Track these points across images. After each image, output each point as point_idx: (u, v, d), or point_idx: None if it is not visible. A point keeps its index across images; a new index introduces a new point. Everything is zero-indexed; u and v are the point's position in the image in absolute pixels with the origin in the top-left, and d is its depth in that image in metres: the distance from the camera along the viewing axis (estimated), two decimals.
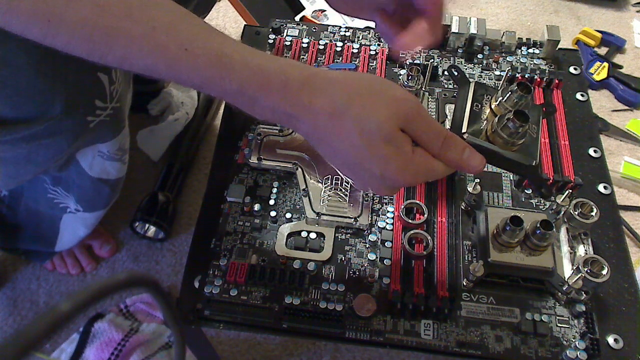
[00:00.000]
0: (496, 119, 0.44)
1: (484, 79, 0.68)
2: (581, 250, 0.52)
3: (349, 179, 0.45)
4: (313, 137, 0.40)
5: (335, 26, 0.72)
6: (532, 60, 0.70)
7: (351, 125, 0.38)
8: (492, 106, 0.46)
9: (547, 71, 0.68)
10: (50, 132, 0.48)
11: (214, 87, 0.38)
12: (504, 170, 0.59)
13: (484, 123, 0.45)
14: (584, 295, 0.50)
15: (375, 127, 0.37)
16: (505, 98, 0.45)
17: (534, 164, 0.44)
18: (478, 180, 0.55)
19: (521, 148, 0.44)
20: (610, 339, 0.49)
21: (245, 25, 0.73)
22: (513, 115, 0.42)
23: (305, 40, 0.69)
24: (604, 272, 0.48)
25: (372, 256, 0.53)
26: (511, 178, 0.60)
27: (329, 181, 0.57)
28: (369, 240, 0.54)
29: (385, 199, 0.57)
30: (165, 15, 0.36)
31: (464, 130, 0.44)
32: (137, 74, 0.38)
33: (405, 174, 0.39)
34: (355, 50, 0.68)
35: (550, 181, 0.57)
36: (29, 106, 0.46)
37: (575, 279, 0.48)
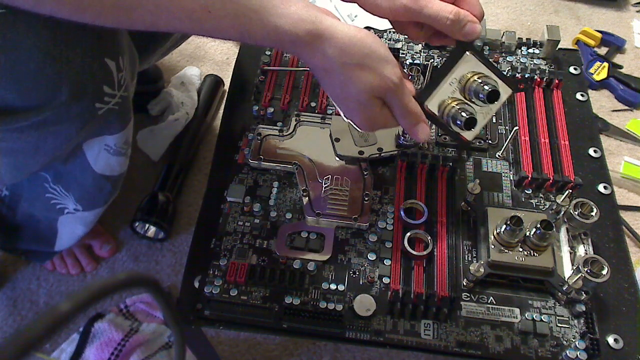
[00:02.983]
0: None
1: None
2: (581, 250, 0.52)
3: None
4: (316, 75, 0.47)
5: None
6: (532, 60, 0.70)
7: (337, 84, 0.46)
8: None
9: (547, 71, 0.68)
10: (59, 118, 0.49)
11: (236, 40, 0.44)
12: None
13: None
14: (584, 295, 0.50)
15: (354, 93, 0.45)
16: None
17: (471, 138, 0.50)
18: (478, 181, 0.55)
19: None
20: (610, 339, 0.49)
21: None
22: None
23: None
24: (604, 272, 0.48)
25: (372, 256, 0.53)
26: (511, 178, 0.60)
27: (329, 181, 0.57)
28: (369, 240, 0.54)
29: (385, 198, 0.57)
30: None
31: (426, 102, 0.49)
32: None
33: (366, 125, 0.49)
34: None
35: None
36: (36, 92, 0.46)
37: (575, 279, 0.48)
